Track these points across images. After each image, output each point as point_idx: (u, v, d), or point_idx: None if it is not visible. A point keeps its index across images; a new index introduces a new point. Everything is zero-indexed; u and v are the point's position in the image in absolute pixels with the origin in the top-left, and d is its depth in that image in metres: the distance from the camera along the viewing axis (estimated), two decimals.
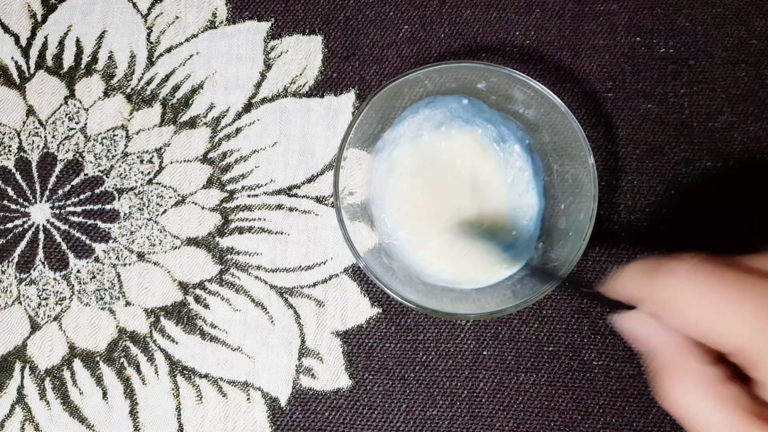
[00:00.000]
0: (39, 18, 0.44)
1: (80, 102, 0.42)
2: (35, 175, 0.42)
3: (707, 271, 0.23)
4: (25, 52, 0.43)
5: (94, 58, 0.43)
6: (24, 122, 0.42)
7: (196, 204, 0.41)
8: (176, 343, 0.39)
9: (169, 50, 0.43)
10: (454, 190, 0.38)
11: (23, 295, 0.40)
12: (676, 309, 0.23)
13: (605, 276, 0.28)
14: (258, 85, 0.42)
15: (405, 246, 0.38)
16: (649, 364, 0.25)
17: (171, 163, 0.42)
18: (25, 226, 0.41)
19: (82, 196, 0.41)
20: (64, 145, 0.42)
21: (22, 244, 0.41)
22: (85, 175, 0.42)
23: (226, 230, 0.41)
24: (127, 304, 0.40)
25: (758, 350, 0.21)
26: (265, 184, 0.41)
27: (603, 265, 0.39)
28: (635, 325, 0.25)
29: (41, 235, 0.41)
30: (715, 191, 0.40)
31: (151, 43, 0.43)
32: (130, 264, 0.40)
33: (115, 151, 0.42)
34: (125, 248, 0.41)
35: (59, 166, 0.42)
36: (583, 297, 0.38)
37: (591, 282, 0.38)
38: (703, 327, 0.22)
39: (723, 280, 0.22)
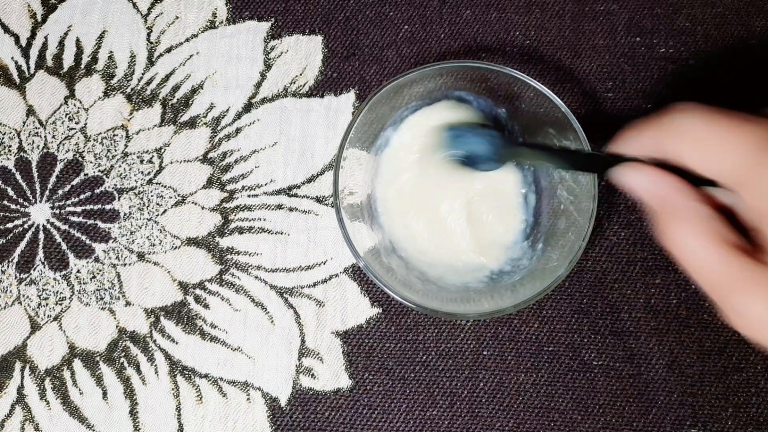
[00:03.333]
0: (39, 18, 0.44)
1: (80, 102, 0.43)
2: (35, 175, 0.42)
3: (712, 108, 0.25)
4: (25, 52, 0.43)
5: (94, 58, 0.43)
6: (24, 122, 0.42)
7: (196, 204, 0.41)
8: (176, 343, 0.39)
9: (169, 50, 0.43)
10: (451, 189, 0.38)
11: (23, 295, 0.40)
12: (680, 139, 0.25)
13: (610, 143, 0.29)
14: (258, 85, 0.42)
15: (404, 246, 0.38)
16: (651, 211, 0.27)
17: (171, 163, 0.42)
18: (25, 226, 0.41)
19: (82, 196, 0.41)
20: (64, 145, 0.42)
21: (22, 244, 0.41)
22: (85, 175, 0.42)
23: (226, 230, 0.41)
24: (127, 304, 0.40)
25: (747, 174, 0.23)
26: (265, 184, 0.41)
27: (603, 265, 0.39)
28: (640, 176, 0.27)
29: (41, 235, 0.41)
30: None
31: (151, 43, 0.43)
32: (130, 264, 0.40)
33: (115, 151, 0.42)
34: (125, 248, 0.41)
35: (59, 166, 0.42)
36: (589, 167, 0.34)
37: (600, 152, 0.36)
38: (703, 155, 0.25)
39: (725, 115, 0.25)
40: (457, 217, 0.37)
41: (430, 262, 0.37)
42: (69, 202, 0.41)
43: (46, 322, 0.40)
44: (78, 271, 0.40)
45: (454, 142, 0.36)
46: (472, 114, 0.38)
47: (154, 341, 0.40)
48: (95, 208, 0.41)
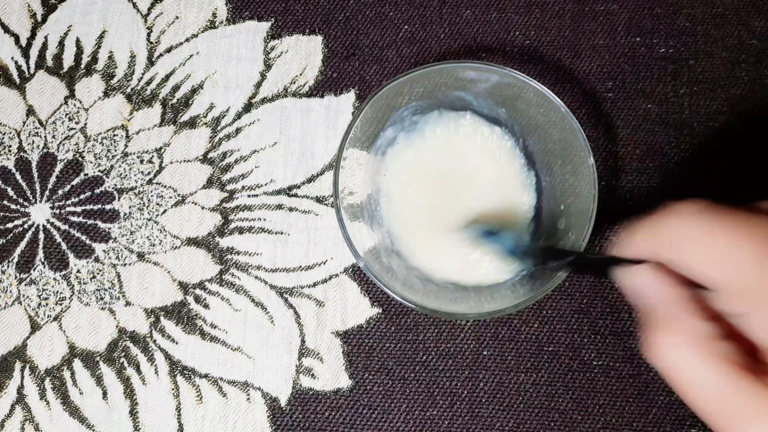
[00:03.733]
0: (39, 18, 0.44)
1: (80, 102, 0.43)
2: (35, 175, 0.42)
3: (712, 212, 0.23)
4: (25, 52, 0.43)
5: (94, 58, 0.43)
6: (24, 122, 0.42)
7: (196, 204, 0.41)
8: (176, 343, 0.39)
9: (169, 50, 0.43)
10: (454, 190, 0.38)
11: (23, 295, 0.40)
12: (679, 247, 0.23)
13: (610, 244, 0.28)
14: (258, 85, 0.42)
15: (405, 246, 0.38)
16: (643, 317, 0.24)
17: (171, 163, 0.42)
18: (25, 226, 0.41)
19: (82, 196, 0.41)
20: (64, 145, 0.42)
21: (22, 244, 0.41)
22: (85, 175, 0.42)
23: (226, 230, 0.41)
24: (127, 304, 0.40)
25: (754, 287, 0.21)
26: (265, 184, 0.41)
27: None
28: (638, 279, 0.25)
29: (41, 235, 0.41)
30: (716, 191, 0.40)
31: (151, 43, 0.43)
32: (130, 264, 0.40)
33: (115, 151, 0.42)
34: (125, 248, 0.41)
35: (59, 166, 0.42)
36: (592, 269, 0.35)
37: (597, 252, 0.36)
38: (704, 264, 0.22)
39: (726, 219, 0.22)
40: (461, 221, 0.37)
41: (429, 262, 0.37)
42: (69, 202, 0.41)
43: (46, 322, 0.40)
44: (78, 271, 0.40)
45: (480, 236, 0.36)
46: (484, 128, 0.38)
47: (154, 341, 0.40)
48: (95, 208, 0.41)
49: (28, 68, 0.43)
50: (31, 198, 0.42)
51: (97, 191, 0.41)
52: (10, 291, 0.40)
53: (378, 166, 0.39)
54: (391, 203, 0.38)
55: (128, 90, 0.43)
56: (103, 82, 0.43)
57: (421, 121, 0.39)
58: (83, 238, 0.41)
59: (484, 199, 0.38)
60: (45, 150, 0.42)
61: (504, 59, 0.42)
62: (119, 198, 0.41)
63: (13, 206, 0.41)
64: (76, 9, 0.44)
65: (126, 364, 0.39)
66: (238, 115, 0.42)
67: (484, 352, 0.39)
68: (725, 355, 0.21)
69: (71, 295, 0.40)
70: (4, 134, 0.42)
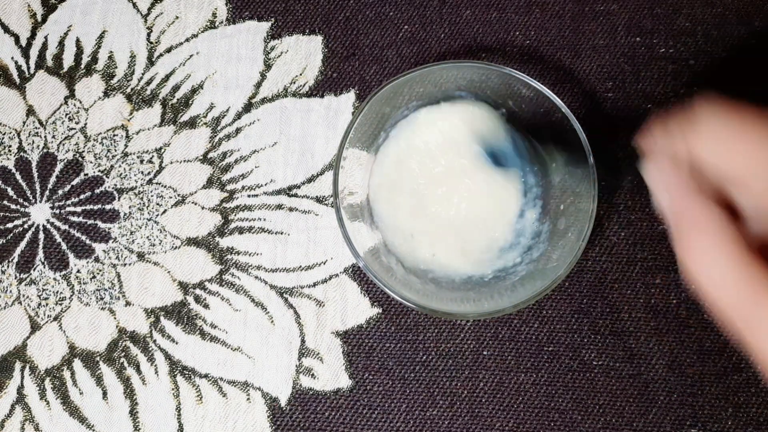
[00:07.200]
0: (39, 18, 0.44)
1: (80, 102, 0.43)
2: (35, 175, 0.42)
3: (736, 112, 0.24)
4: (25, 52, 0.43)
5: (94, 58, 0.43)
6: (24, 122, 0.42)
7: (196, 204, 0.41)
8: (176, 343, 0.39)
9: (169, 50, 0.43)
10: (446, 190, 0.38)
11: (23, 295, 0.40)
12: (711, 146, 0.24)
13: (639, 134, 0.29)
14: (258, 85, 0.42)
15: (404, 243, 0.38)
16: (672, 229, 0.25)
17: (171, 163, 0.42)
18: (25, 226, 0.41)
19: (82, 196, 0.41)
20: (64, 145, 0.42)
21: (22, 244, 0.41)
22: (85, 175, 0.42)
23: (226, 230, 0.41)
24: (127, 304, 0.40)
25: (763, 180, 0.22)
26: (265, 184, 0.41)
27: (603, 264, 0.39)
28: (662, 176, 0.26)
29: (41, 235, 0.41)
30: None
31: (151, 43, 0.43)
32: (130, 264, 0.40)
33: (115, 151, 0.42)
34: (125, 248, 0.41)
35: (59, 166, 0.42)
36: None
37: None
38: (731, 160, 0.24)
39: (750, 118, 0.24)
40: (451, 218, 0.37)
41: (425, 262, 0.37)
42: (69, 202, 0.41)
43: (46, 322, 0.40)
44: (78, 271, 0.40)
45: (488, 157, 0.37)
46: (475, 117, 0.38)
47: (154, 341, 0.40)
48: (95, 208, 0.41)
49: (28, 68, 0.43)
50: (31, 198, 0.42)
51: (97, 191, 0.41)
52: (10, 291, 0.40)
53: (375, 166, 0.39)
54: (381, 210, 0.38)
55: (128, 90, 0.43)
56: (103, 82, 0.43)
57: (413, 118, 0.38)
58: (83, 238, 0.41)
59: (477, 200, 0.38)
60: (45, 150, 0.42)
61: (504, 59, 0.42)
62: (119, 198, 0.41)
63: (13, 206, 0.41)
64: (76, 9, 0.44)
65: (126, 364, 0.39)
66: (238, 115, 0.42)
67: (484, 352, 0.39)
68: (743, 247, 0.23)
69: (71, 295, 0.40)
70: (4, 134, 0.42)
